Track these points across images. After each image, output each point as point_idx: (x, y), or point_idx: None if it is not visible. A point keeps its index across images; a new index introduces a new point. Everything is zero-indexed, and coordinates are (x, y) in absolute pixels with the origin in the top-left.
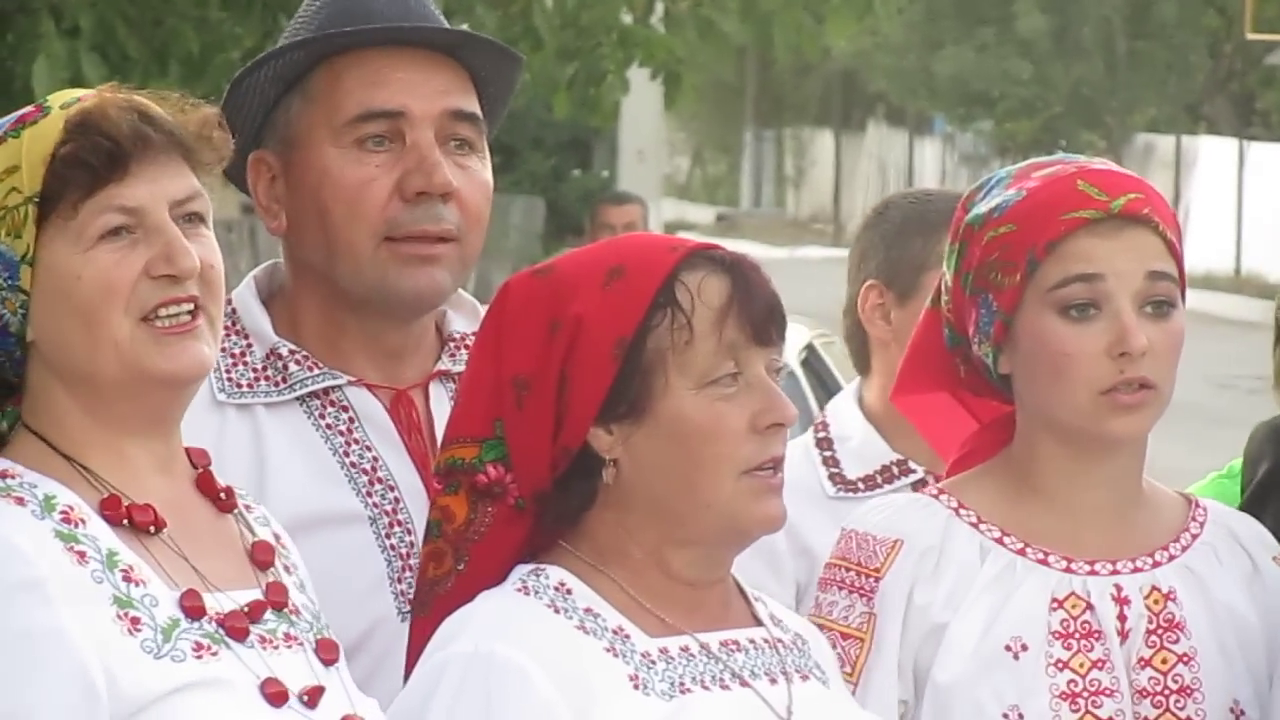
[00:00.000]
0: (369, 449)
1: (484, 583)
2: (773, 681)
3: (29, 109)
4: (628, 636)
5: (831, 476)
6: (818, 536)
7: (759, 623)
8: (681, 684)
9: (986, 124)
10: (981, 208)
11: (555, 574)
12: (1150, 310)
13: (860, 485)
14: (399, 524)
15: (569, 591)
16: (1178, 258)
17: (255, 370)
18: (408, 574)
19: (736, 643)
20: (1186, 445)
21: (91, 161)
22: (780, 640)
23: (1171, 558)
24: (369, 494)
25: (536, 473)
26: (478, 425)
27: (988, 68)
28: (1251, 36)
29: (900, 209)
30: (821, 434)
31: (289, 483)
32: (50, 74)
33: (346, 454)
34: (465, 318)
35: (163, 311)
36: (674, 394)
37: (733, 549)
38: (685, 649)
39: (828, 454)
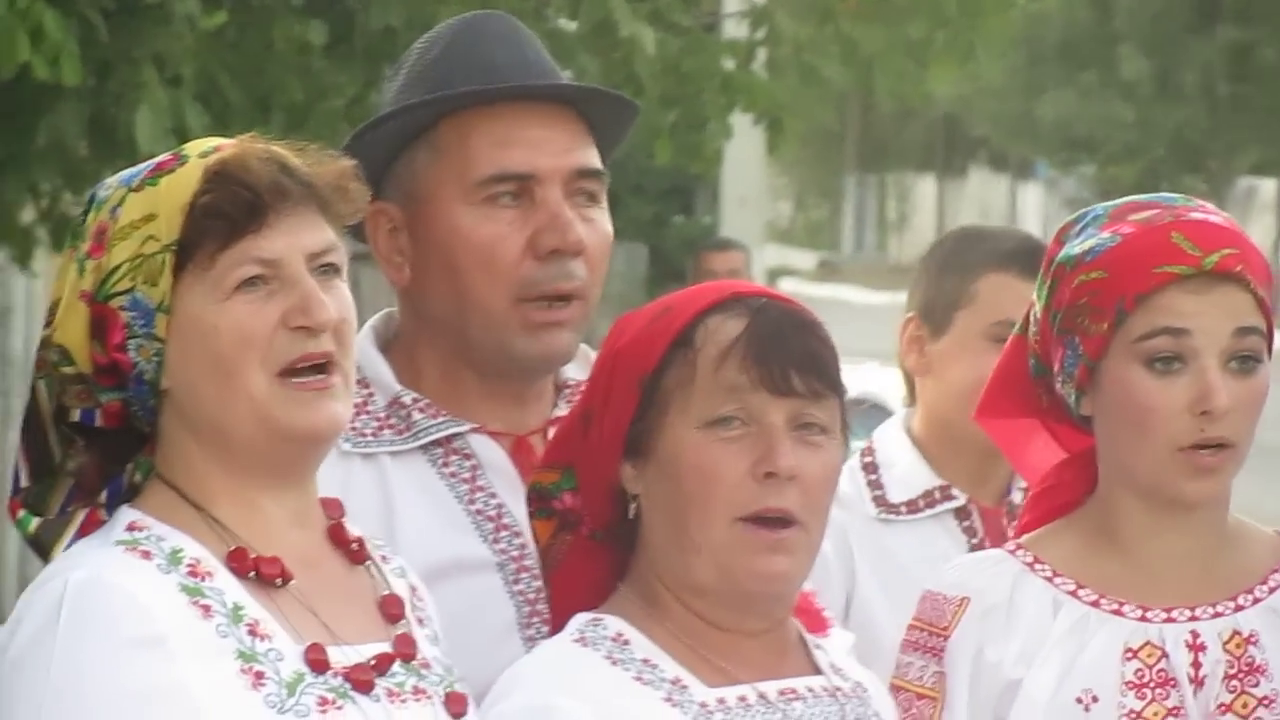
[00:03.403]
0: (494, 496)
1: (567, 614)
2: None
3: (166, 157)
4: (685, 687)
5: (875, 499)
6: (859, 554)
7: (819, 671)
8: None
9: (1089, 168)
10: (1075, 248)
11: (613, 624)
12: (1235, 366)
13: (903, 509)
14: (525, 570)
15: (626, 642)
16: (1267, 312)
17: (379, 419)
18: (535, 619)
19: (795, 691)
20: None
21: (230, 212)
22: (840, 689)
23: (1256, 600)
24: (495, 540)
25: (601, 505)
26: (560, 452)
27: (1090, 112)
28: None
29: (948, 245)
30: (868, 459)
31: (418, 530)
32: (153, 123)
33: (471, 501)
34: (578, 365)
35: (300, 366)
36: (675, 431)
37: (743, 602)
38: (743, 699)
39: (872, 478)
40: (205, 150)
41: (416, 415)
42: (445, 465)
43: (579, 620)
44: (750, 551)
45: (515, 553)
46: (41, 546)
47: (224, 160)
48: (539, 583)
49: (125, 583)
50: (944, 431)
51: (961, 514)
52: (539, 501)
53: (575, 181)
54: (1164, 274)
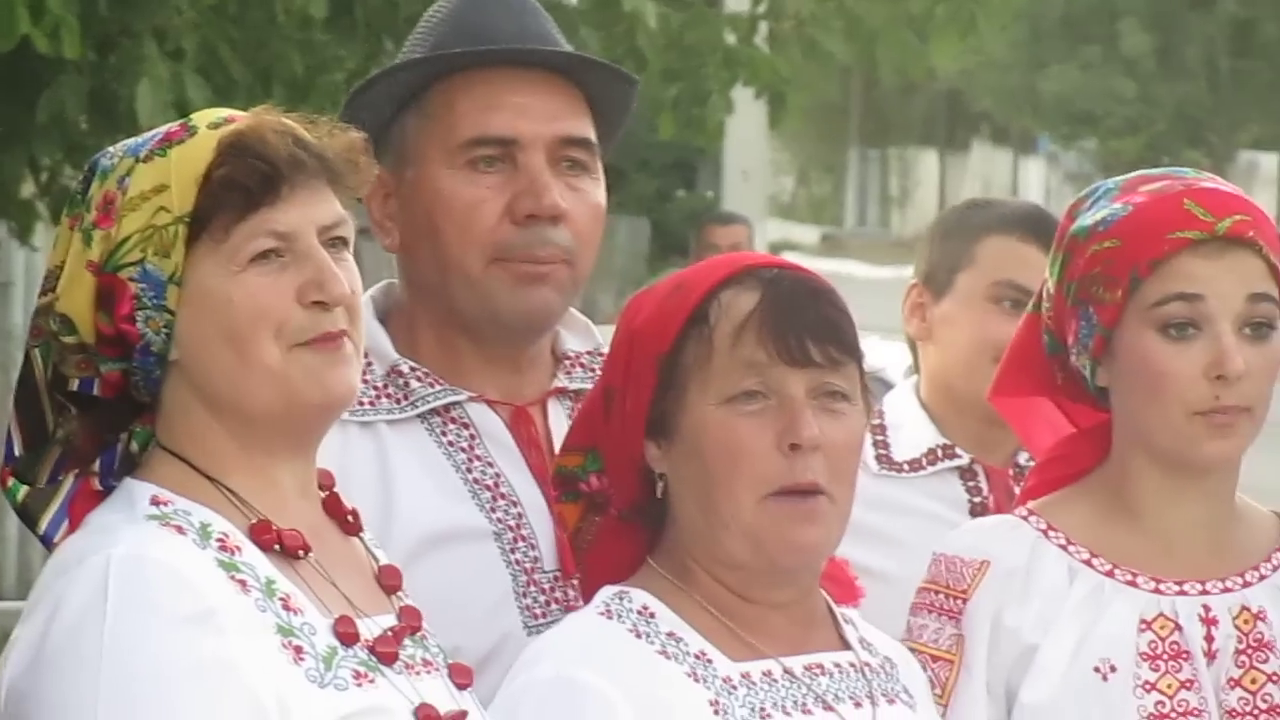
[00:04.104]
0: (491, 465)
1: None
2: (858, 705)
3: (174, 127)
4: (710, 661)
5: (878, 457)
6: (859, 509)
7: (847, 646)
8: (763, 709)
9: (1091, 143)
10: (1087, 219)
11: (639, 598)
12: (1249, 332)
13: (905, 467)
14: (523, 539)
15: (652, 615)
16: (1279, 279)
17: (376, 388)
18: (532, 589)
19: (821, 666)
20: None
21: (247, 184)
22: (867, 664)
23: (1263, 577)
24: (493, 510)
25: (628, 484)
26: (583, 435)
27: (1092, 86)
28: None
29: (953, 214)
30: (876, 421)
31: (415, 499)
32: (154, 97)
33: (469, 470)
34: (578, 336)
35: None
36: (697, 409)
37: (775, 574)
38: (768, 673)
39: (879, 438)
40: (216, 121)
41: (414, 384)
42: (443, 434)
43: (605, 593)
44: (781, 524)
45: (512, 522)
46: (29, 515)
47: (240, 132)
48: (536, 552)
49: (170, 559)
50: (947, 396)
51: (966, 474)
52: (564, 485)
53: (561, 149)
54: (1177, 239)
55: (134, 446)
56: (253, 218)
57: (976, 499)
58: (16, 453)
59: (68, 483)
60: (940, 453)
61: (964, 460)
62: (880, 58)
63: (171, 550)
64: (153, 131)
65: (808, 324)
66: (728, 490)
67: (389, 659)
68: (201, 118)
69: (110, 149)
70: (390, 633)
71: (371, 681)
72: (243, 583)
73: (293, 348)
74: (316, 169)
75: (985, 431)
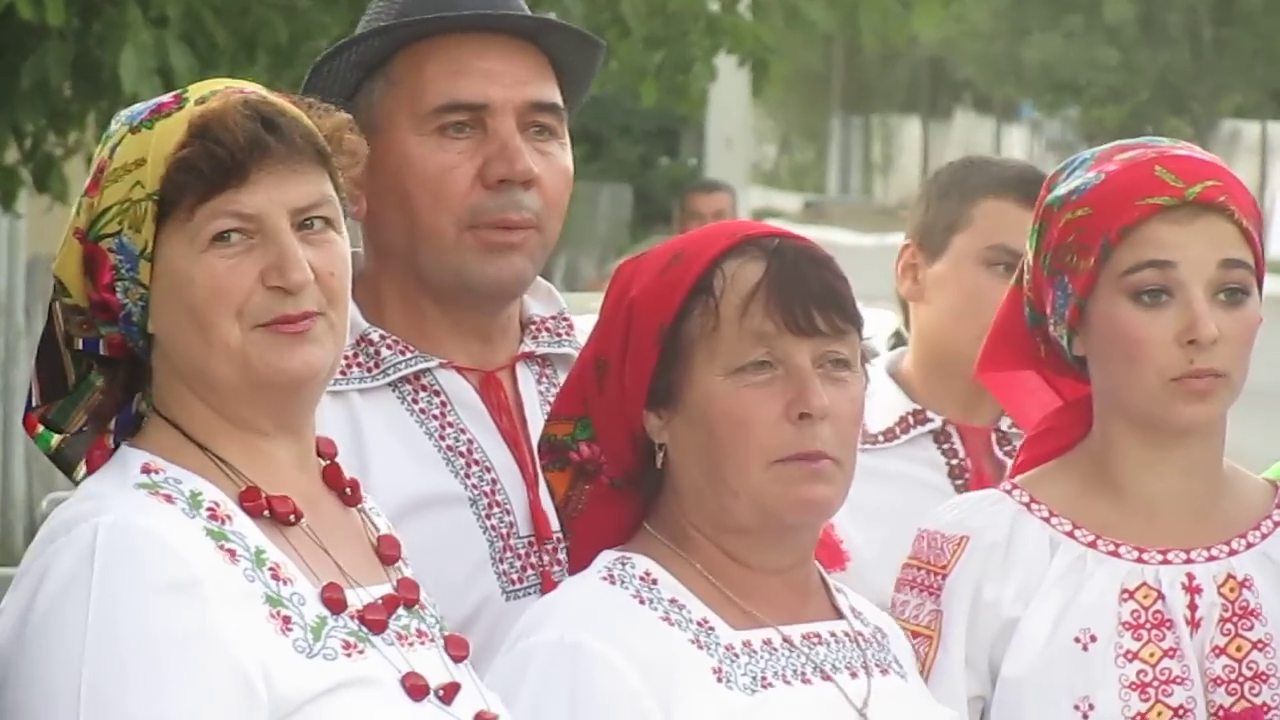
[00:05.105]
0: (463, 431)
1: (589, 559)
2: (853, 675)
3: (168, 98)
4: (712, 629)
5: None
6: None
7: (840, 615)
8: (763, 678)
9: (1073, 111)
10: (1061, 189)
11: (641, 563)
12: (1223, 298)
13: (880, 437)
14: (498, 505)
15: (654, 581)
16: (1254, 245)
17: (347, 357)
18: (508, 554)
19: (818, 635)
20: (1265, 429)
21: (204, 169)
22: (860, 634)
23: (1250, 545)
24: (467, 476)
25: (621, 453)
26: (573, 404)
27: (1075, 55)
28: None
29: (948, 172)
30: None
31: (390, 467)
32: (138, 63)
33: (442, 437)
34: (541, 302)
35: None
36: (704, 380)
37: (781, 536)
38: (768, 642)
39: None
40: (203, 96)
41: (385, 352)
42: (415, 402)
43: (606, 558)
44: (791, 484)
45: (487, 488)
46: (66, 462)
47: (207, 113)
48: (510, 518)
49: (157, 527)
50: (935, 357)
51: (940, 436)
52: (552, 454)
53: (530, 114)
54: (1147, 205)
55: (143, 407)
56: (216, 199)
57: (954, 460)
58: (35, 403)
59: (93, 436)
60: (912, 419)
61: (936, 423)
62: (863, 25)
63: (159, 519)
64: (155, 99)
65: (813, 293)
66: (736, 460)
67: (378, 627)
68: (196, 90)
69: (123, 112)
70: (381, 601)
71: (361, 652)
72: (231, 552)
73: (252, 329)
74: (288, 152)
75: (972, 393)
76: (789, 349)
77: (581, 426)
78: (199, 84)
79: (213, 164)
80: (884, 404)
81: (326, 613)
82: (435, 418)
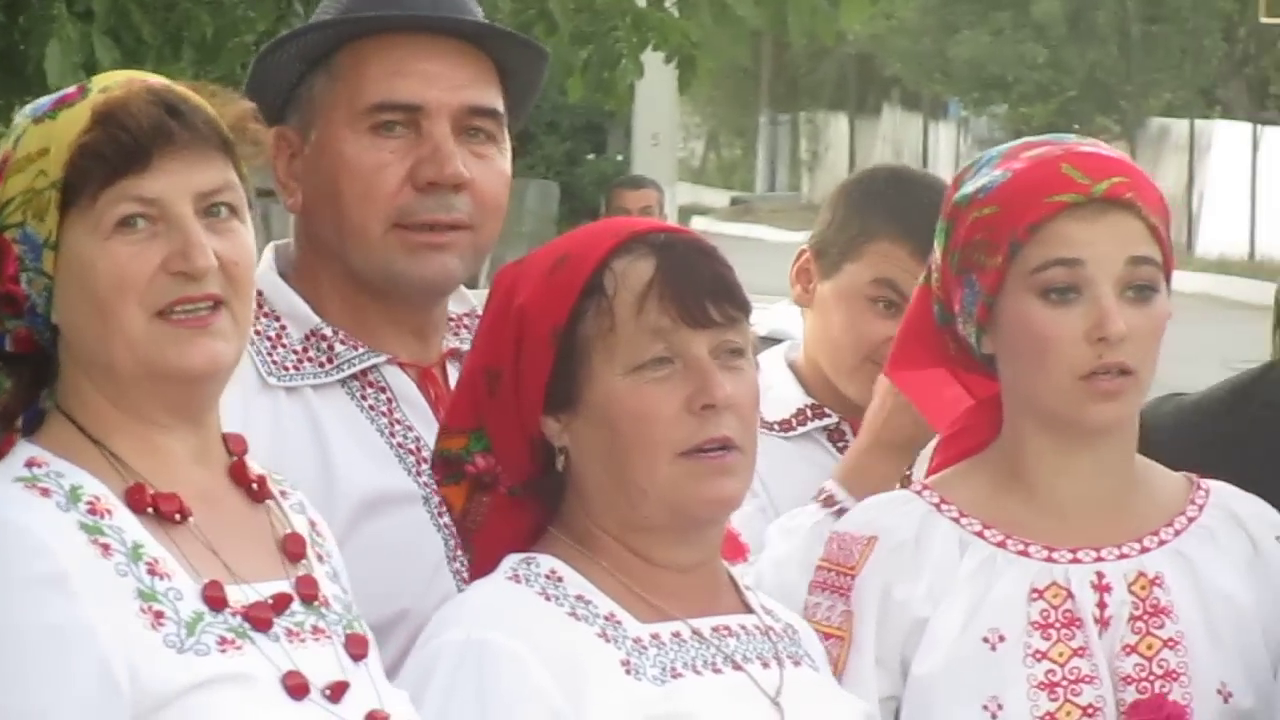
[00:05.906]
0: (410, 429)
1: (491, 571)
2: (765, 665)
3: (72, 90)
4: (619, 622)
5: None
6: None
7: (750, 610)
8: (673, 669)
9: (1001, 108)
10: (969, 187)
11: (546, 562)
12: (1131, 295)
13: (775, 427)
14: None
15: (560, 579)
16: (1162, 242)
17: (296, 352)
18: (459, 553)
19: (728, 628)
20: None
21: (108, 154)
22: (771, 628)
23: (1162, 542)
24: (418, 474)
25: (519, 461)
26: (464, 416)
27: (1003, 52)
28: (1266, 20)
29: (860, 191)
30: None
31: (350, 465)
32: (63, 58)
33: (392, 434)
34: (454, 299)
35: (179, 307)
36: (604, 381)
37: (689, 532)
38: (676, 634)
39: None
40: (106, 86)
41: (339, 347)
42: (364, 398)
43: (511, 559)
44: (698, 480)
45: (435, 486)
46: None
47: (109, 101)
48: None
49: (23, 519)
50: (817, 371)
51: (834, 434)
52: (446, 469)
53: (467, 118)
54: (1054, 203)
55: (49, 404)
56: (119, 184)
57: None
58: None
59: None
60: (809, 413)
61: (832, 420)
62: (790, 22)
63: (28, 512)
64: (60, 92)
65: (706, 285)
66: (643, 457)
67: (262, 625)
68: (99, 81)
69: (26, 106)
70: (271, 599)
71: (238, 648)
72: (105, 546)
73: (155, 317)
74: (192, 139)
75: (859, 397)
76: (686, 342)
77: (475, 438)
78: (103, 76)
79: (116, 149)
80: (782, 393)
81: (205, 609)
82: (383, 414)
